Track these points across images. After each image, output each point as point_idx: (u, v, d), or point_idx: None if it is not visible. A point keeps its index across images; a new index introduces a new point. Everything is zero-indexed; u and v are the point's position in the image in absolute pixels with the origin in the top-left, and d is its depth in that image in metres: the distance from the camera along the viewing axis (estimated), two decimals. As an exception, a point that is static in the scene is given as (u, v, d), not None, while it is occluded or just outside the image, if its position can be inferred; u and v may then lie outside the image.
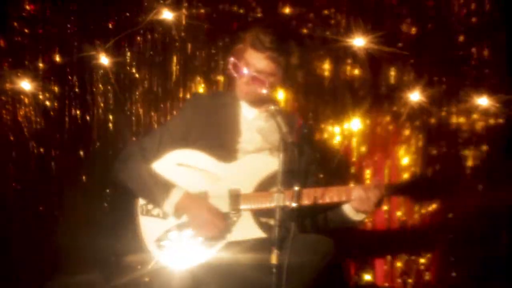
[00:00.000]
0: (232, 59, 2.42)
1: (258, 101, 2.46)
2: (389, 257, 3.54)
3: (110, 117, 3.57)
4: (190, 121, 2.48)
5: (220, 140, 2.44)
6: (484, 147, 3.42)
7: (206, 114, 2.48)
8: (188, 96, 3.51)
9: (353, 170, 3.55)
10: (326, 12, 3.51)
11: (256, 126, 2.48)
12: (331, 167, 3.43)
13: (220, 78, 3.53)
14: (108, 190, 3.42)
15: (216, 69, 3.53)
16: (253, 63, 2.37)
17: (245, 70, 2.37)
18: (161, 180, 2.37)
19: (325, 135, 3.54)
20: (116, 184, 2.50)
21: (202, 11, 3.48)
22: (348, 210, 2.40)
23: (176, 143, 2.44)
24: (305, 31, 3.48)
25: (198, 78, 3.55)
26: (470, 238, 3.38)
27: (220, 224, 2.31)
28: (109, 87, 3.54)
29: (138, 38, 3.51)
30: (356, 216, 2.40)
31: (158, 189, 2.34)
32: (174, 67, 3.54)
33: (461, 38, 3.48)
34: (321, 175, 2.62)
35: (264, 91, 2.37)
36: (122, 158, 2.49)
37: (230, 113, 2.50)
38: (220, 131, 2.46)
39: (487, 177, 3.39)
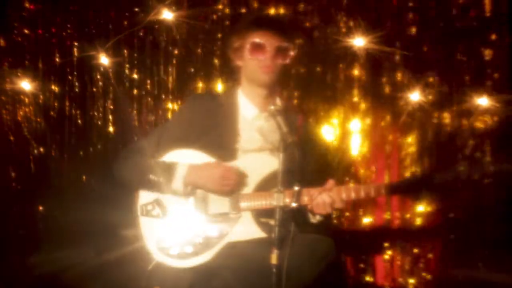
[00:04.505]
0: (247, 43, 2.40)
1: (277, 78, 2.44)
2: (389, 257, 3.54)
3: (110, 117, 3.57)
4: (189, 122, 2.48)
5: (219, 140, 2.43)
6: (484, 146, 3.42)
7: (205, 114, 2.48)
8: (187, 96, 3.50)
9: (353, 170, 3.55)
10: (326, 12, 3.51)
11: (256, 126, 2.47)
12: (331, 167, 3.44)
13: (220, 78, 3.53)
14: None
15: (215, 69, 3.53)
16: (267, 40, 2.37)
17: (266, 45, 2.36)
18: (163, 163, 2.37)
19: (325, 135, 3.54)
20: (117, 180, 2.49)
21: (202, 11, 3.49)
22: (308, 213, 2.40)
23: (174, 143, 2.43)
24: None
25: (198, 78, 3.55)
26: (470, 237, 3.38)
27: (234, 175, 2.31)
28: (109, 87, 3.54)
29: (138, 38, 3.51)
30: (313, 219, 2.39)
31: (162, 171, 2.33)
32: (174, 67, 3.54)
33: (462, 38, 3.48)
34: (321, 174, 2.61)
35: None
36: (120, 158, 2.50)
37: (229, 113, 2.49)
38: (219, 131, 2.45)
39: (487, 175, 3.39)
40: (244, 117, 2.49)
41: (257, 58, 2.40)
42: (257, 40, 2.39)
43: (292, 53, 2.42)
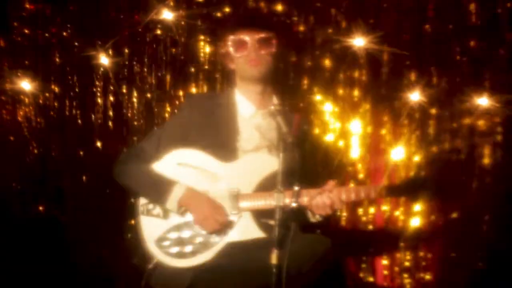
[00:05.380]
0: (228, 39, 2.45)
1: (268, 72, 2.47)
2: (389, 257, 3.54)
3: (110, 117, 3.57)
4: (188, 122, 2.49)
5: (219, 140, 2.44)
6: (484, 147, 3.42)
7: (203, 114, 2.49)
8: (185, 95, 3.50)
9: (352, 170, 3.55)
10: (326, 12, 3.51)
11: (254, 124, 2.48)
12: (330, 167, 3.44)
13: (220, 77, 3.53)
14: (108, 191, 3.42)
15: (215, 69, 3.52)
16: (248, 35, 2.43)
17: (247, 39, 2.41)
18: (162, 178, 2.37)
19: (325, 135, 3.54)
20: (117, 186, 2.49)
21: (202, 10, 3.48)
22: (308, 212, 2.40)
23: (174, 144, 2.44)
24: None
25: (198, 78, 3.55)
26: (470, 237, 3.38)
27: (221, 218, 2.32)
28: (109, 87, 3.54)
29: (138, 38, 3.51)
30: (313, 218, 2.40)
31: (160, 187, 2.34)
32: (174, 67, 3.54)
33: (462, 38, 3.47)
34: (320, 174, 2.62)
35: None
36: (121, 161, 2.49)
37: (227, 112, 2.50)
38: (218, 131, 2.46)
39: (487, 176, 3.39)
40: (242, 116, 2.50)
41: (241, 53, 2.44)
42: (236, 37, 2.44)
43: (275, 42, 2.45)
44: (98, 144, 3.56)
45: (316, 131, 3.44)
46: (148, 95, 3.55)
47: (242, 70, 2.48)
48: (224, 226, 2.33)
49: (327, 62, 3.50)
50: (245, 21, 2.49)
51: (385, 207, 3.53)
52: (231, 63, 2.53)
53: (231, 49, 2.46)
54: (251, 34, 2.43)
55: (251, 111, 2.51)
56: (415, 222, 3.49)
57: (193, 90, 3.53)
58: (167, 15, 3.39)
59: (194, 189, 2.36)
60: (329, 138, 3.53)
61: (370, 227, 3.55)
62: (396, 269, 3.54)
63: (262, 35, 2.43)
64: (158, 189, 2.34)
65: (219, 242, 2.32)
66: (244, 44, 2.43)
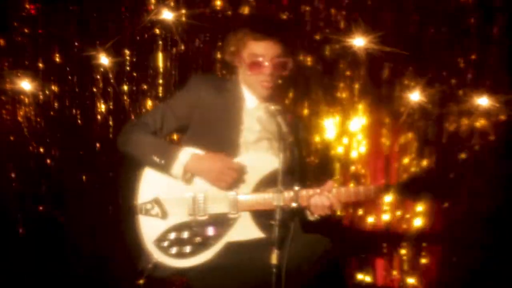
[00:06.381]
0: (244, 51, 2.39)
1: (275, 94, 2.44)
2: (389, 257, 3.54)
3: (110, 117, 3.57)
4: (194, 101, 2.45)
5: (222, 127, 2.41)
6: (484, 147, 3.42)
7: (211, 95, 2.44)
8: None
9: (353, 169, 3.55)
10: (326, 12, 3.51)
11: (256, 116, 2.46)
12: (332, 167, 3.45)
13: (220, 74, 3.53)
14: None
15: (215, 69, 3.52)
16: (265, 53, 2.36)
17: (266, 63, 2.35)
18: (167, 145, 2.37)
19: (325, 135, 3.54)
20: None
21: (202, 11, 3.48)
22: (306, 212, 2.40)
23: (178, 121, 2.43)
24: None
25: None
26: (470, 238, 3.38)
27: (233, 172, 2.30)
28: (109, 87, 3.54)
29: (138, 38, 3.51)
30: (312, 217, 2.39)
31: (165, 153, 2.32)
32: (174, 67, 3.54)
33: (462, 38, 3.48)
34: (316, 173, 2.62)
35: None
36: (124, 131, 2.46)
37: (234, 99, 2.47)
38: (223, 117, 2.43)
39: (486, 176, 3.39)
40: (247, 106, 2.48)
41: (255, 72, 2.38)
42: (254, 54, 2.37)
43: (291, 65, 2.40)
44: (98, 144, 3.55)
45: (315, 131, 3.46)
46: (149, 94, 3.56)
47: (250, 85, 2.45)
48: (239, 178, 2.31)
49: (326, 62, 3.51)
50: (265, 29, 2.39)
51: (385, 207, 3.54)
52: (237, 62, 2.47)
53: (245, 59, 2.39)
54: (270, 51, 2.35)
55: (254, 102, 2.48)
56: (418, 223, 3.50)
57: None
58: (167, 15, 3.39)
59: (200, 153, 2.33)
60: (328, 138, 3.54)
61: (370, 227, 3.56)
62: (396, 269, 3.54)
63: (281, 58, 2.37)
64: (163, 156, 2.31)
65: (218, 242, 2.32)
66: (260, 64, 2.37)
